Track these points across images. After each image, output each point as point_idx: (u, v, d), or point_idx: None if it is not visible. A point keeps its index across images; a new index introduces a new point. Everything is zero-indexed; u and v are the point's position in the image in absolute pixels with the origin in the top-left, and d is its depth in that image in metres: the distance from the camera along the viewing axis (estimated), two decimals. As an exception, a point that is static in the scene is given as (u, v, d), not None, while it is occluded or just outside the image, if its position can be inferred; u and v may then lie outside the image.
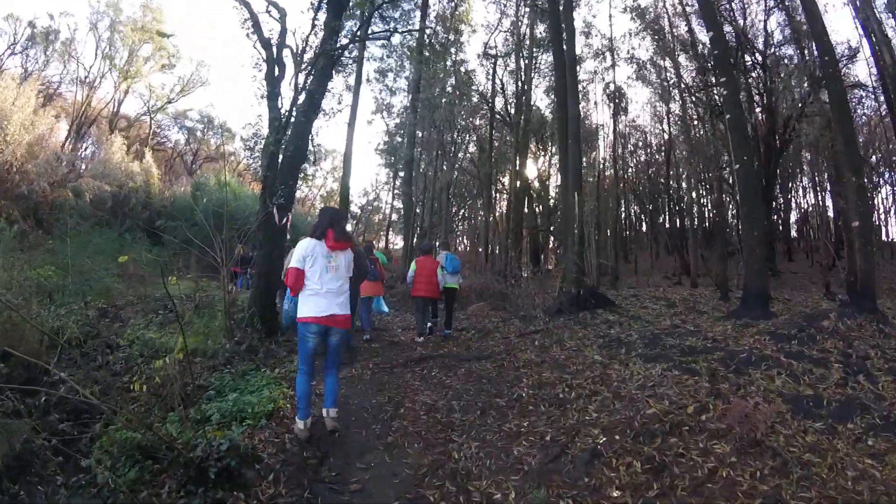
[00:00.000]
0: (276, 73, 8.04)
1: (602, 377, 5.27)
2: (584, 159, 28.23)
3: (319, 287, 4.12)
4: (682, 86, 21.50)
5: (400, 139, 25.80)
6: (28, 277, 8.70)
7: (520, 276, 15.59)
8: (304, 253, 4.16)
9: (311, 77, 7.98)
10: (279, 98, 8.01)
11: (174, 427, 4.00)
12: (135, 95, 33.06)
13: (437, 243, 9.92)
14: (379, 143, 34.12)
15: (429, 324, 8.29)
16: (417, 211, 24.13)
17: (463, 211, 36.29)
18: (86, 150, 27.64)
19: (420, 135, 23.24)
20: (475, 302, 11.28)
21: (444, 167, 24.71)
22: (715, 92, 18.36)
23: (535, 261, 23.87)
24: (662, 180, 30.88)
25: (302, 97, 7.91)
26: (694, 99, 21.06)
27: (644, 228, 38.49)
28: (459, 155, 27.83)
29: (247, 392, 5.25)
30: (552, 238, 28.48)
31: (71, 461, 3.53)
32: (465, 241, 43.12)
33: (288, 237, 12.11)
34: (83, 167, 24.31)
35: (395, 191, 35.84)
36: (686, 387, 4.64)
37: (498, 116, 23.67)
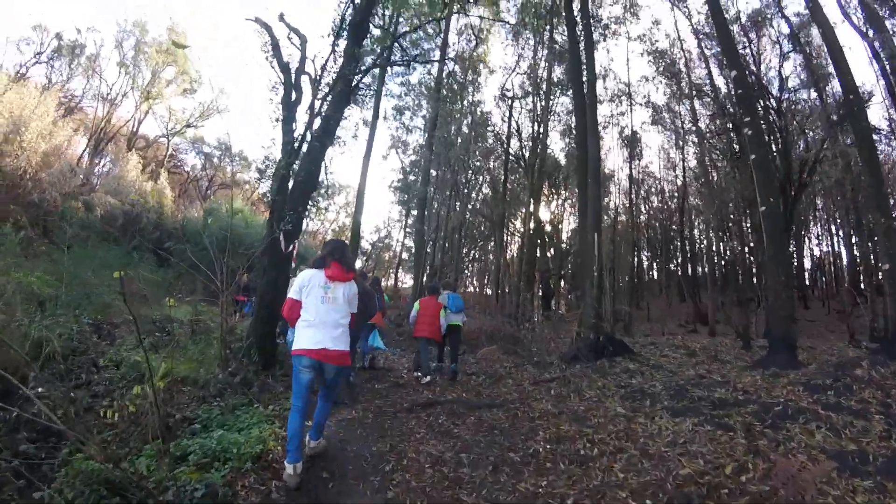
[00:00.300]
0: (293, 97, 7.85)
1: (627, 432, 4.78)
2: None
3: (313, 318, 3.93)
4: (699, 130, 21.37)
5: (414, 177, 25.72)
6: (21, 283, 8.38)
7: (533, 319, 15.13)
8: (302, 283, 4.03)
9: (328, 103, 7.78)
10: (294, 123, 7.80)
11: (147, 462, 3.60)
12: (155, 117, 33.29)
13: (442, 283, 9.36)
14: (393, 181, 34.09)
15: (433, 364, 8.06)
16: (428, 250, 23.85)
17: (474, 252, 36.04)
18: (102, 165, 27.61)
19: (434, 174, 23.17)
20: (485, 345, 10.80)
21: (457, 207, 24.51)
22: (733, 136, 18.26)
23: (546, 304, 23.34)
24: (675, 227, 30.60)
25: (317, 123, 7.69)
26: (708, 144, 20.84)
27: (655, 275, 37.97)
28: (472, 195, 27.75)
29: (234, 429, 4.83)
30: (562, 282, 28.07)
31: (32, 487, 3.23)
32: (475, 282, 42.64)
33: (293, 265, 11.79)
34: (97, 181, 24.26)
35: (407, 229, 35.61)
36: (721, 444, 4.19)
37: (512, 158, 23.59)
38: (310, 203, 8.00)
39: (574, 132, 18.25)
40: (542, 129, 21.43)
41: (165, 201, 27.11)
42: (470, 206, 27.12)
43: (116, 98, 29.52)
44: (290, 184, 7.40)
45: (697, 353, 9.75)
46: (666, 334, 16.86)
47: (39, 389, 5.16)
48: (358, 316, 4.58)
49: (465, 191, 25.00)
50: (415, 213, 25.17)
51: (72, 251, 16.72)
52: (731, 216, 22.21)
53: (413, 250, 24.69)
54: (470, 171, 24.11)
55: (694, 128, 21.87)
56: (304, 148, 7.64)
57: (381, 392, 6.96)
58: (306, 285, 4.01)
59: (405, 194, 27.70)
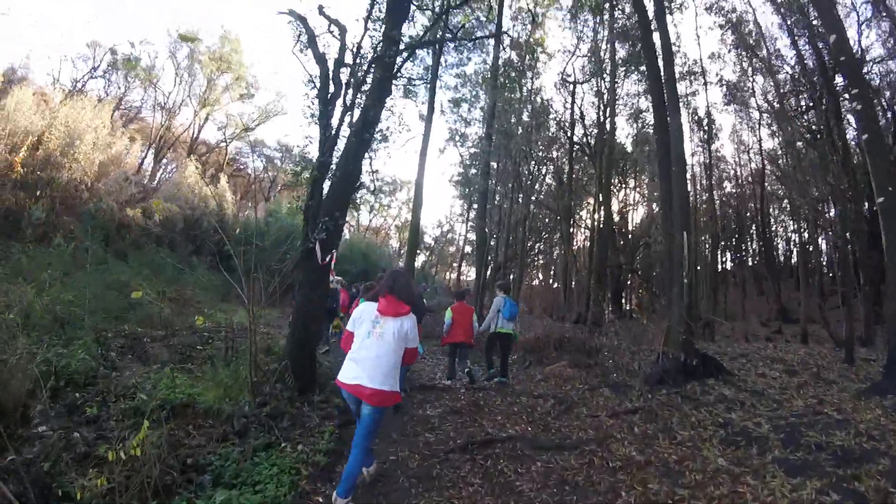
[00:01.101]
0: (331, 90, 7.03)
1: (732, 497, 3.69)
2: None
3: (356, 352, 3.86)
4: (781, 108, 19.19)
5: (475, 170, 24.74)
6: (53, 300, 8.04)
7: (607, 325, 13.85)
8: (356, 315, 4.03)
9: (367, 94, 6.91)
10: (331, 118, 7.00)
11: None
12: (214, 123, 34.02)
13: (498, 284, 9.44)
14: (453, 175, 33.34)
15: (466, 369, 8.06)
16: (492, 244, 22.85)
17: (539, 245, 34.82)
18: (162, 172, 28.29)
19: (495, 166, 22.12)
20: (553, 356, 9.68)
21: (520, 199, 23.39)
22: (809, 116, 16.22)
23: (616, 302, 21.78)
24: (748, 214, 28.25)
25: (356, 115, 6.85)
26: (789, 125, 18.65)
27: (728, 266, 35.39)
28: (536, 187, 26.49)
29: (248, 485, 4.11)
30: (631, 275, 26.33)
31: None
32: (541, 275, 41.23)
33: (333, 278, 10.98)
34: (157, 188, 24.77)
35: (469, 223, 34.84)
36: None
37: (577, 146, 22.19)
38: (350, 206, 7.16)
39: (649, 110, 16.73)
40: (607, 114, 19.88)
41: (226, 204, 27.53)
42: (534, 199, 25.91)
43: (174, 107, 30.24)
44: (327, 186, 6.60)
45: (797, 368, 8.27)
46: (750, 337, 15.09)
47: (42, 428, 4.60)
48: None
49: (528, 182, 23.82)
50: (476, 206, 24.23)
51: (124, 260, 16.96)
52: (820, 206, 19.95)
53: (475, 244, 23.52)
54: (532, 162, 22.86)
55: (772, 106, 19.70)
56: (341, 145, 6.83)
57: (433, 421, 6.03)
58: (358, 318, 3.98)
59: (465, 188, 26.83)
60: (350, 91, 6.86)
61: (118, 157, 21.39)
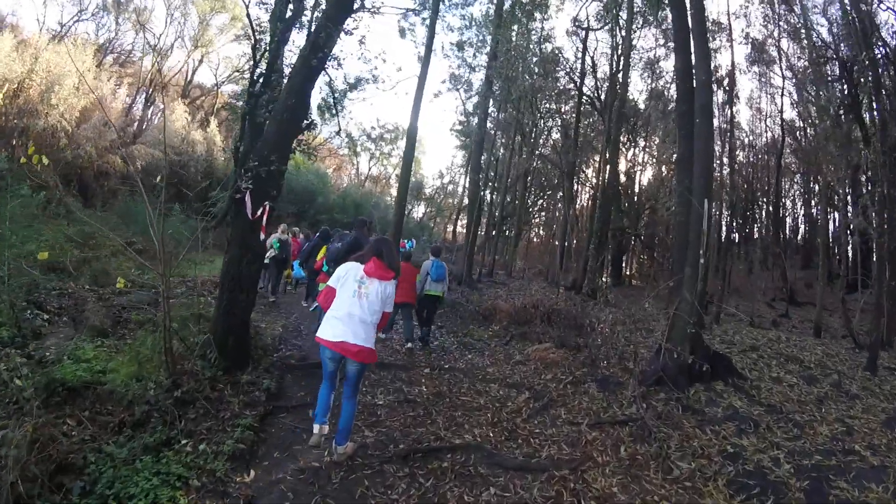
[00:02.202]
0: (290, 10, 5.73)
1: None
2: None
3: (340, 311, 3.89)
4: (810, 74, 17.61)
5: (477, 119, 23.28)
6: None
7: (603, 295, 12.77)
8: (341, 273, 4.04)
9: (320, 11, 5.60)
10: (284, 44, 5.73)
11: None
12: (210, 66, 32.50)
13: (431, 248, 9.08)
14: (454, 123, 31.62)
15: (408, 345, 7.65)
16: (488, 198, 21.58)
17: (541, 201, 33.55)
18: (151, 117, 27.02)
19: (497, 115, 20.64)
20: (539, 330, 8.61)
21: (524, 152, 22.07)
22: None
23: (616, 267, 20.67)
24: (758, 186, 26.86)
25: (303, 38, 5.57)
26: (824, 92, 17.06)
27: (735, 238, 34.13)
28: (541, 140, 25.09)
29: (118, 499, 3.27)
30: (634, 240, 25.14)
31: None
32: (542, 232, 40.05)
33: (274, 237, 9.81)
34: (137, 133, 23.58)
35: (470, 175, 33.62)
36: None
37: (586, 99, 20.64)
38: (295, 149, 5.96)
39: (666, 57, 15.07)
40: (620, 65, 18.24)
41: (215, 150, 26.45)
42: (537, 153, 24.54)
43: (165, 49, 29.04)
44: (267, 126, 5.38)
45: (816, 374, 7.05)
46: (755, 319, 13.92)
47: None
48: None
49: (533, 135, 22.44)
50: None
51: (100, 210, 16.02)
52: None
53: (468, 197, 22.18)
54: (538, 114, 21.40)
55: (796, 74, 18.06)
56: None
57: (380, 412, 5.00)
58: (343, 276, 4.00)
59: (467, 137, 25.41)
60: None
61: (102, 101, 20.28)
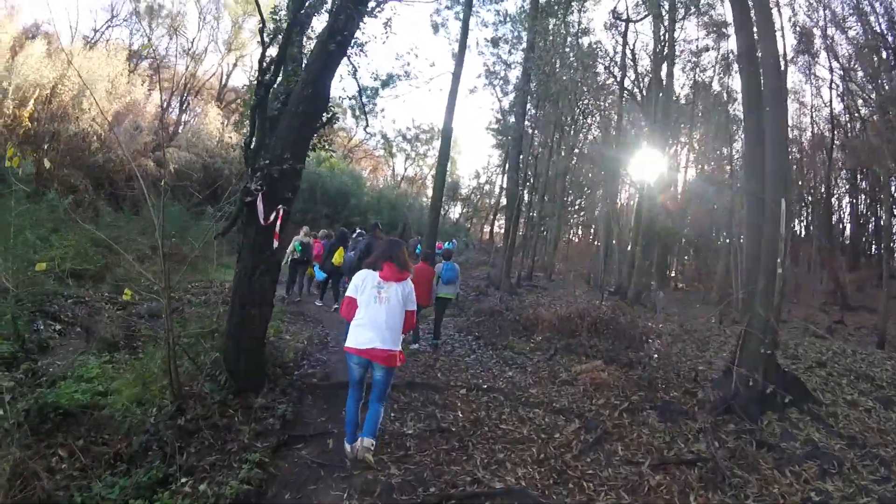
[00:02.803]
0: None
1: None
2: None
3: (365, 318, 3.94)
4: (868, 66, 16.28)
5: (514, 118, 22.51)
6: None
7: (653, 302, 11.87)
8: (357, 282, 4.08)
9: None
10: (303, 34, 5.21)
11: None
12: (244, 70, 32.69)
13: (442, 252, 9.59)
14: (491, 122, 30.79)
15: (413, 346, 7.59)
16: (526, 198, 20.75)
17: (580, 201, 32.52)
18: (186, 120, 27.20)
19: (536, 113, 19.82)
20: (584, 343, 7.84)
21: (563, 151, 21.22)
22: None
23: (661, 273, 19.61)
24: (801, 182, 25.26)
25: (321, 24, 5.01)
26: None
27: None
28: (580, 137, 24.20)
29: None
30: (679, 243, 23.92)
31: None
32: (580, 233, 38.97)
33: (296, 240, 9.49)
34: (171, 136, 23.70)
35: (507, 174, 32.81)
36: None
37: (627, 94, 19.67)
38: (313, 146, 5.41)
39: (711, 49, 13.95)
40: (663, 55, 17.18)
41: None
42: (576, 151, 23.62)
43: (200, 53, 29.26)
44: (282, 120, 4.83)
45: (890, 395, 6.09)
46: (811, 328, 12.69)
47: None
48: None
49: (572, 132, 21.59)
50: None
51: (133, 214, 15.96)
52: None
53: (507, 196, 21.24)
54: (577, 110, 20.54)
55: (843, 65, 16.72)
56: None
57: (409, 443, 4.37)
58: (360, 284, 4.05)
59: (504, 136, 24.62)
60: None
61: (136, 105, 20.45)
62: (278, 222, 4.43)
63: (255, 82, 4.68)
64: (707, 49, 19.24)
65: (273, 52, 4.84)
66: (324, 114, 4.87)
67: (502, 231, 38.05)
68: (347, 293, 4.09)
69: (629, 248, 22.95)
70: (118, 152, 17.86)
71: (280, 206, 4.43)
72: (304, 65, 4.98)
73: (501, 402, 5.43)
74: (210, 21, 28.69)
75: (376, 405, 4.02)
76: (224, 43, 29.57)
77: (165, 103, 26.24)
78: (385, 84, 16.32)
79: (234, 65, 31.63)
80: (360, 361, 3.94)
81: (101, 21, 25.96)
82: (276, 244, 4.50)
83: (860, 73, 17.83)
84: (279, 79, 4.85)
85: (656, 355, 6.66)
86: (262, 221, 4.40)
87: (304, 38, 5.66)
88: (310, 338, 7.34)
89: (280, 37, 4.81)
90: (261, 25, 4.84)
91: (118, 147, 17.83)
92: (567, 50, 17.00)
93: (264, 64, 4.57)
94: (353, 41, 5.04)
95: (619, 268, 18.90)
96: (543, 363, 7.15)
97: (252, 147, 4.61)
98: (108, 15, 25.87)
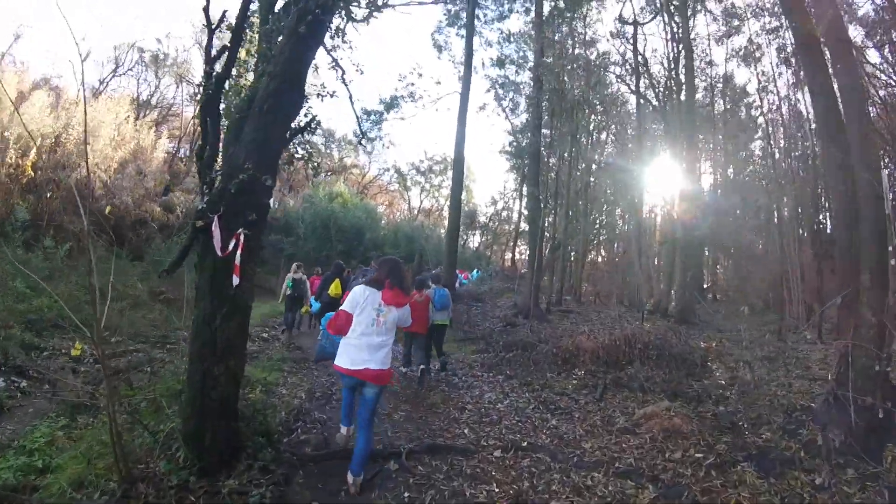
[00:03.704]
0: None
1: None
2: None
3: (360, 338, 3.83)
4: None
5: (527, 141, 21.60)
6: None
7: (702, 320, 10.57)
8: (358, 299, 3.89)
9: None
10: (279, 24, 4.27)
11: None
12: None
13: (431, 277, 8.98)
14: (504, 144, 29.85)
15: (422, 366, 7.21)
16: (549, 220, 19.60)
17: (601, 218, 31.24)
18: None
19: (551, 132, 18.87)
20: (634, 373, 6.59)
21: (581, 165, 20.22)
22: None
23: (697, 285, 18.15)
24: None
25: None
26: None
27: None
28: (597, 152, 23.24)
29: None
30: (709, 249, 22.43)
31: None
32: (603, 252, 37.35)
33: (288, 277, 8.93)
34: (179, 180, 23.39)
35: (524, 198, 31.75)
36: None
37: (643, 100, 18.67)
38: (289, 156, 4.40)
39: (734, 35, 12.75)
40: (680, 50, 16.13)
41: None
42: (594, 168, 22.58)
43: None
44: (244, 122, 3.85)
45: None
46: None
47: None
48: None
49: (588, 147, 20.69)
50: (528, 172, 20.92)
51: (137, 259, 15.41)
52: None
53: (528, 217, 20.00)
54: (592, 125, 19.69)
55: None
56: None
57: None
58: (360, 302, 3.87)
59: (517, 158, 23.67)
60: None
61: (142, 152, 20.26)
62: (238, 251, 3.38)
63: (204, 75, 3.69)
64: (728, 35, 18.16)
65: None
66: (296, 113, 3.86)
67: (523, 257, 36.91)
68: (344, 307, 3.88)
69: (657, 262, 21.64)
70: (122, 198, 17.48)
71: (240, 231, 3.38)
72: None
73: (548, 466, 4.22)
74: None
75: (364, 433, 3.89)
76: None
77: (175, 149, 26.03)
78: (389, 106, 15.62)
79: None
80: (352, 382, 3.95)
81: (108, 71, 25.77)
82: (236, 281, 3.43)
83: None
84: (235, 72, 3.88)
85: (731, 387, 5.38)
86: (219, 252, 3.37)
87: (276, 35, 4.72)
88: (309, 391, 6.21)
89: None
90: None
91: (122, 193, 17.45)
92: (575, 66, 16.04)
93: (213, 51, 3.59)
94: (329, 22, 4.04)
95: (654, 283, 17.55)
96: (592, 405, 5.88)
97: (204, 158, 3.59)
98: (112, 65, 25.92)
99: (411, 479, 3.95)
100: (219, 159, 3.90)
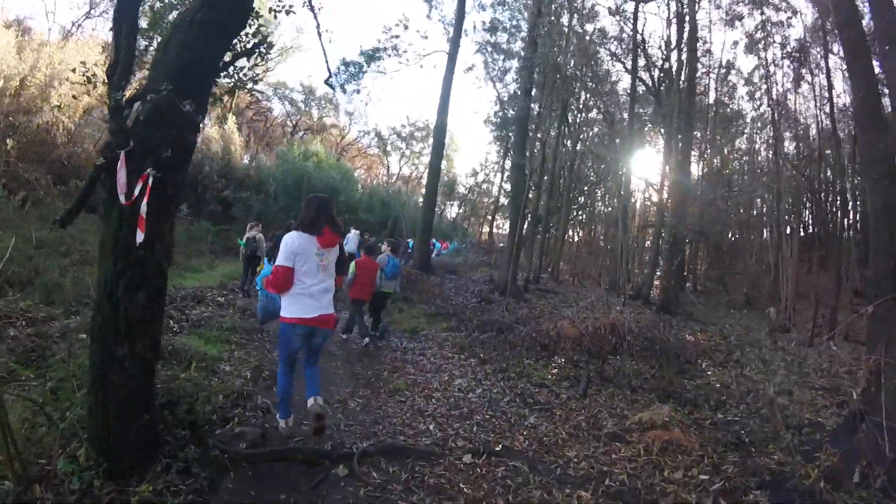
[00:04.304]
0: None
1: None
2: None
3: (311, 288, 3.75)
4: None
5: (513, 112, 20.69)
6: None
7: (686, 310, 10.04)
8: (296, 249, 3.69)
9: None
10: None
11: None
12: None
13: (387, 241, 9.14)
14: (489, 114, 28.68)
15: (366, 340, 7.49)
16: (530, 196, 18.84)
17: (581, 198, 30.69)
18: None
19: (540, 104, 18.01)
20: (625, 369, 5.99)
21: (568, 142, 19.49)
22: None
23: (679, 275, 17.69)
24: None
25: None
26: None
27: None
28: (584, 130, 22.52)
29: None
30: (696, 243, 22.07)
31: None
32: (581, 232, 36.88)
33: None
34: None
35: (506, 172, 31.03)
36: None
37: (639, 82, 17.92)
38: (231, 87, 3.60)
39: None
40: (685, 22, 15.32)
41: (234, 148, 24.99)
42: (579, 147, 21.89)
43: None
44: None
45: None
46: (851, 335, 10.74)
47: None
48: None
49: (576, 124, 19.97)
50: (513, 151, 20.00)
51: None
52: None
53: (511, 189, 18.93)
54: (581, 99, 18.91)
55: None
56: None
57: None
58: (300, 252, 3.71)
59: (502, 129, 22.76)
60: None
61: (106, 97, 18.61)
62: (145, 198, 2.58)
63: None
64: (741, 17, 17.47)
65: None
66: (238, 26, 3.03)
67: (500, 231, 36.31)
68: (281, 262, 3.66)
69: (635, 246, 21.14)
70: (84, 146, 16.28)
71: (149, 171, 2.58)
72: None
73: (526, 478, 3.55)
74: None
75: (314, 368, 4.01)
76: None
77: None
78: (371, 58, 14.57)
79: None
80: (306, 331, 3.81)
81: (81, 15, 24.02)
82: (140, 237, 2.64)
83: None
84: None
85: (736, 403, 4.81)
86: (122, 198, 2.58)
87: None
88: (257, 368, 5.43)
89: None
90: None
91: (85, 140, 16.25)
92: (572, 36, 15.03)
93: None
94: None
95: (632, 267, 17.05)
96: (576, 401, 5.21)
97: (115, 77, 2.76)
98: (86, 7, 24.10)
99: (363, 489, 3.26)
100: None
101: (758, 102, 21.85)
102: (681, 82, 15.13)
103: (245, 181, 25.11)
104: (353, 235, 18.42)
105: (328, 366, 6.11)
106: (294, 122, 40.16)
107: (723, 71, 20.86)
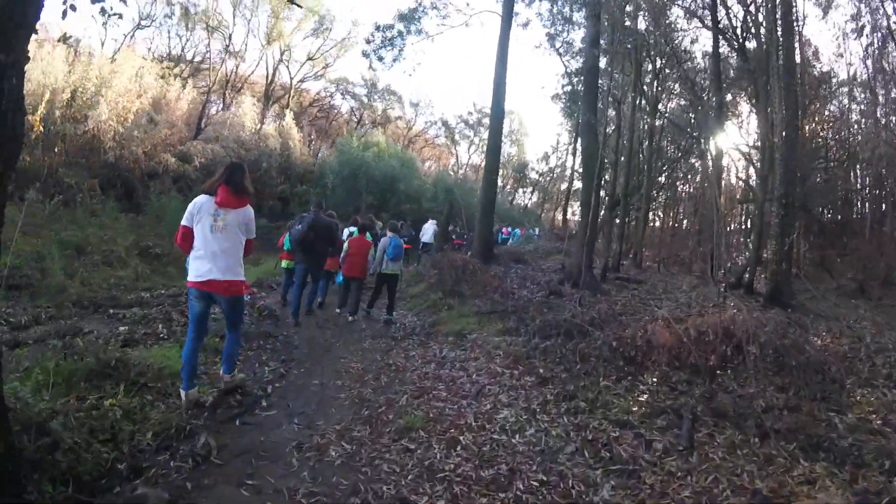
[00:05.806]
0: None
1: None
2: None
3: (202, 249, 3.77)
4: None
5: (580, 78, 18.58)
6: None
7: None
8: (192, 209, 3.81)
9: None
10: None
11: None
12: (285, 64, 31.91)
13: (388, 226, 8.87)
14: (557, 89, 26.06)
15: (365, 311, 8.31)
16: (607, 177, 16.73)
17: (660, 178, 27.77)
18: (222, 114, 25.62)
19: (610, 77, 15.89)
20: (761, 407, 4.17)
21: (646, 114, 17.24)
22: None
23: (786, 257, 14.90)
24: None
25: None
26: None
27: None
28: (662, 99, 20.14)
29: None
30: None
31: None
32: (661, 214, 33.55)
33: None
34: (198, 131, 22.37)
35: (578, 154, 28.56)
36: None
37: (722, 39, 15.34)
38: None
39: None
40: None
41: (293, 143, 24.84)
42: (657, 121, 19.55)
43: (236, 48, 29.01)
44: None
45: None
46: None
47: None
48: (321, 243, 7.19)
49: (654, 89, 17.69)
50: (582, 105, 17.75)
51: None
52: None
53: (582, 159, 16.04)
54: (657, 65, 16.72)
55: None
56: None
57: None
58: (196, 212, 3.79)
59: (572, 103, 20.70)
60: None
61: (166, 104, 20.07)
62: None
63: None
64: None
65: None
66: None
67: (576, 217, 33.91)
68: (183, 221, 3.81)
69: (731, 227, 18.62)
70: (131, 149, 16.20)
71: None
72: None
73: None
74: (247, 15, 28.07)
75: (231, 334, 3.99)
76: (264, 35, 28.77)
77: (203, 102, 24.72)
78: (408, 19, 13.03)
79: (280, 60, 30.98)
80: (201, 295, 3.77)
81: (131, 28, 25.14)
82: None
83: None
84: None
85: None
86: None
87: None
88: (224, 393, 4.08)
89: None
90: None
91: (131, 143, 16.19)
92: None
93: None
94: None
95: (733, 251, 14.61)
96: (677, 457, 3.34)
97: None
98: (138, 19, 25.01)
99: None
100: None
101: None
102: (777, 32, 12.51)
103: (305, 176, 24.80)
104: (429, 225, 17.37)
105: (332, 384, 4.79)
106: (358, 117, 39.71)
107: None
